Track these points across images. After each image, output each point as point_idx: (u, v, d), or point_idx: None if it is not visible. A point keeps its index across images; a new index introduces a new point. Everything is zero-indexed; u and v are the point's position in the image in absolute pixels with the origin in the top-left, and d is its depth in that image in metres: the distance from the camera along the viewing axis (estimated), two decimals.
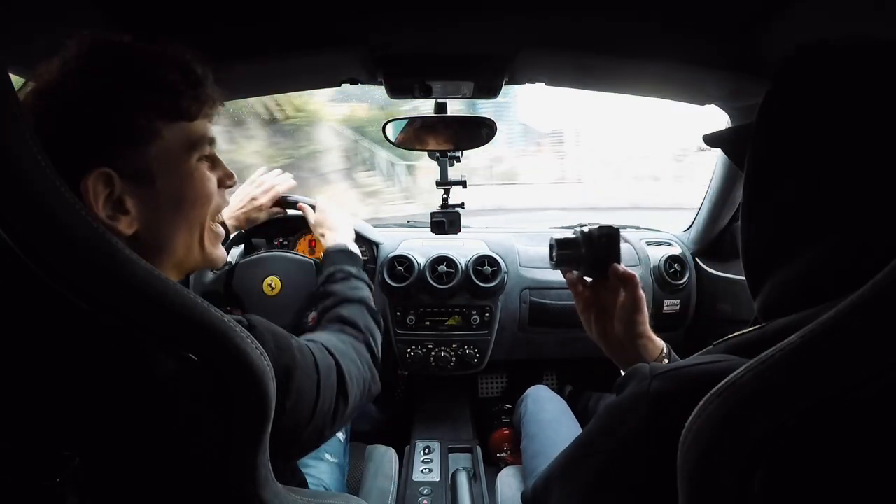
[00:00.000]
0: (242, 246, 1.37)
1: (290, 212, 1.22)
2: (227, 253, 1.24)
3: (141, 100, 0.52)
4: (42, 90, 0.51)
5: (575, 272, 0.81)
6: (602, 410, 0.53)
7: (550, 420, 1.17)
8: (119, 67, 0.52)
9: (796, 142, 0.44)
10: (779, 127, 0.46)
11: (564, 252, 0.78)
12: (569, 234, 0.79)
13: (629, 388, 0.49)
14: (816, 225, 0.42)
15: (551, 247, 0.79)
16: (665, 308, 1.52)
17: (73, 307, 0.37)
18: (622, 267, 0.75)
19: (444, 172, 1.11)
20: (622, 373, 0.59)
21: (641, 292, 0.74)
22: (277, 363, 0.53)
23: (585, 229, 0.77)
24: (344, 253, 0.99)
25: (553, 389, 1.34)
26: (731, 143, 0.63)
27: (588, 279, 0.80)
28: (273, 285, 1.20)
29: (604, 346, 0.79)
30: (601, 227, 0.76)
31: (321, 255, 1.03)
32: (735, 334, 0.48)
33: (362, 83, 1.04)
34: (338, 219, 1.10)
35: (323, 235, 1.07)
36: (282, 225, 1.37)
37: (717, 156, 1.40)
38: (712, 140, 0.64)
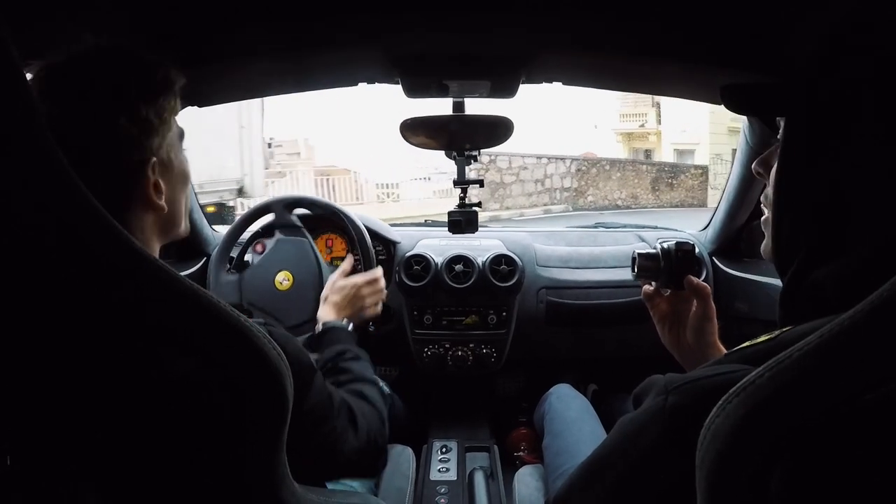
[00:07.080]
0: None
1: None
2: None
3: (164, 96, 0.61)
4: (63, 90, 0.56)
5: (652, 284, 0.87)
6: (618, 425, 0.53)
7: (575, 419, 1.16)
8: (141, 71, 0.60)
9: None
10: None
11: (645, 264, 0.85)
12: (649, 249, 0.86)
13: (645, 403, 0.49)
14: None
15: (633, 259, 0.86)
16: None
17: (89, 308, 0.37)
18: (696, 279, 0.80)
19: (461, 171, 1.11)
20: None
21: (713, 304, 0.79)
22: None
23: (665, 245, 0.84)
24: (344, 331, 1.06)
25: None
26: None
27: (664, 292, 0.86)
28: (285, 280, 1.23)
29: (676, 353, 0.84)
30: (678, 243, 0.83)
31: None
32: (747, 344, 0.47)
33: (380, 83, 1.05)
34: (350, 294, 1.15)
35: (326, 301, 1.13)
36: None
37: (735, 155, 1.37)
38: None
